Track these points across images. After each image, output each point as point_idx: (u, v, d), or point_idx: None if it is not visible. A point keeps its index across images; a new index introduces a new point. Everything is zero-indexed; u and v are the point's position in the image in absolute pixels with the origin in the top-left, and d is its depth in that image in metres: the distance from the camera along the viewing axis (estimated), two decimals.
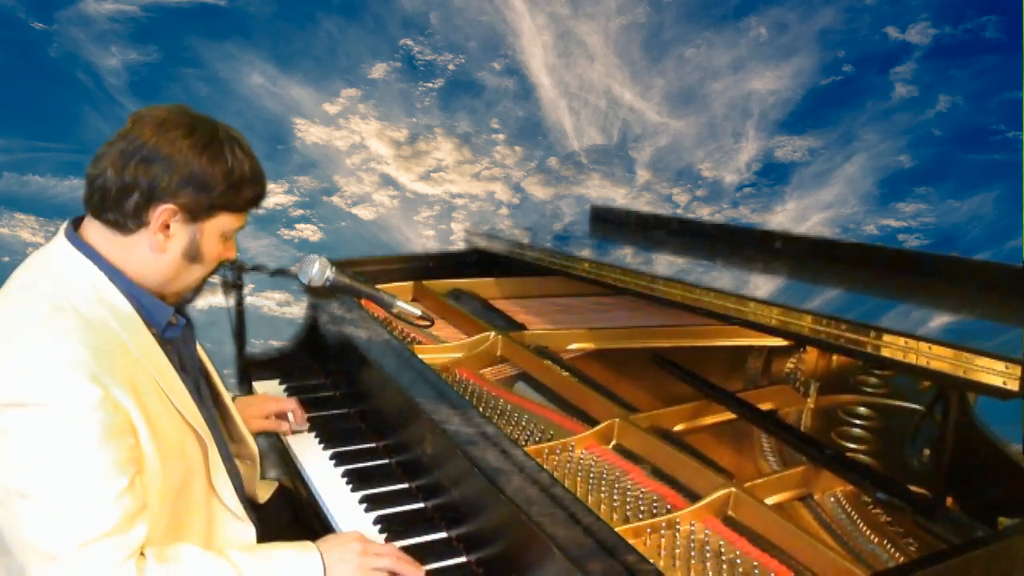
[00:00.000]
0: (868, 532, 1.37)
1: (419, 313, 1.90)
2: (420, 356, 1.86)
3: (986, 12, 4.83)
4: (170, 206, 1.27)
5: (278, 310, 4.94)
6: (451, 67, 5.21)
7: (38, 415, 1.13)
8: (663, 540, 1.30)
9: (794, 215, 5.16)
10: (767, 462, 1.62)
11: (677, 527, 1.33)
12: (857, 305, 1.82)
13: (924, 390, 1.72)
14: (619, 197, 5.31)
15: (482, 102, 5.28)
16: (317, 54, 5.09)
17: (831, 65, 5.05)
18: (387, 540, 1.48)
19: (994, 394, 1.17)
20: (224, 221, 1.34)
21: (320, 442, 1.86)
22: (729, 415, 1.74)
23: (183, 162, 1.26)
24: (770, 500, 1.42)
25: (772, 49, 5.11)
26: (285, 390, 2.13)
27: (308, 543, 1.35)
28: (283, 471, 1.88)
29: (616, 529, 1.22)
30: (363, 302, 2.15)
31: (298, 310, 2.40)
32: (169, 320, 1.38)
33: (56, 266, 1.29)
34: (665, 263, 2.28)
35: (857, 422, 1.72)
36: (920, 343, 1.26)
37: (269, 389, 2.15)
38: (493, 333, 2.07)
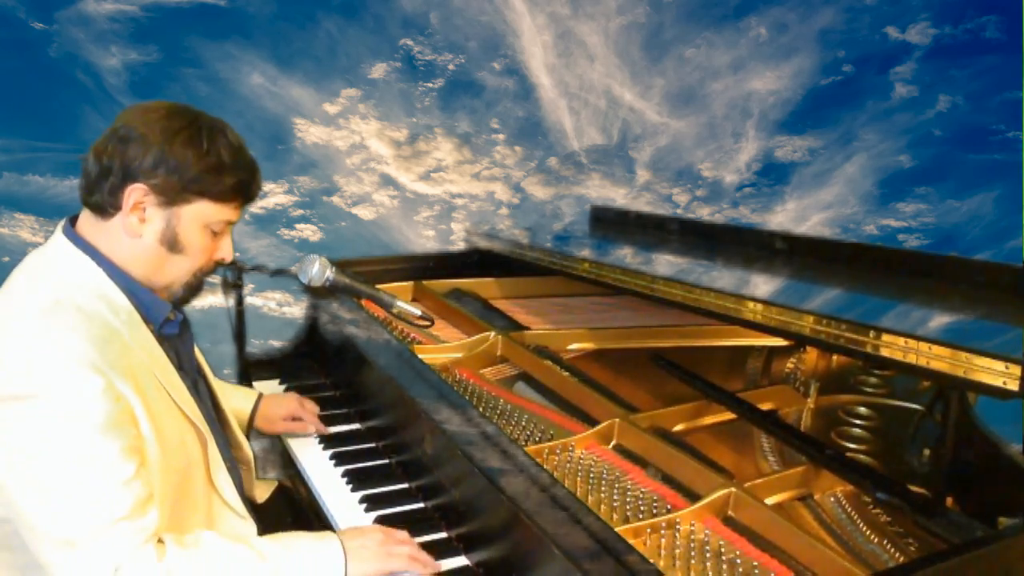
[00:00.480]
0: (868, 532, 1.37)
1: (419, 313, 1.90)
2: (420, 356, 1.86)
3: (986, 12, 4.83)
4: (141, 185, 1.27)
5: (278, 310, 4.94)
6: (451, 67, 5.22)
7: (42, 406, 1.14)
8: (663, 540, 1.30)
9: (794, 215, 5.17)
10: (767, 462, 1.62)
11: (677, 527, 1.33)
12: (857, 305, 1.82)
13: (924, 390, 1.72)
14: (619, 197, 5.32)
15: (482, 102, 5.28)
16: (317, 54, 5.10)
17: (831, 65, 5.06)
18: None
19: (994, 394, 1.18)
20: (203, 209, 1.32)
21: (320, 442, 1.86)
22: (729, 415, 1.74)
23: (157, 142, 1.26)
24: (770, 500, 1.42)
25: (772, 49, 5.12)
26: (285, 390, 2.13)
27: (328, 532, 1.36)
28: (283, 471, 1.88)
29: (616, 529, 1.21)
30: (363, 302, 2.15)
31: (298, 310, 2.40)
32: (167, 316, 1.38)
33: (55, 263, 1.30)
34: (665, 263, 2.28)
35: (857, 422, 1.72)
36: (920, 343, 1.26)
37: (269, 389, 2.14)
38: (493, 333, 2.07)
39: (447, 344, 2.08)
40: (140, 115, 1.29)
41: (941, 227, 4.93)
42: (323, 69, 5.11)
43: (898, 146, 4.99)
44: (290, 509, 1.79)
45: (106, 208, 1.29)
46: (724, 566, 1.26)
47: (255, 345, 2.22)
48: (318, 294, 2.19)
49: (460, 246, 2.83)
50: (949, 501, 1.41)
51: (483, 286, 2.53)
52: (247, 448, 1.67)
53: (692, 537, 1.32)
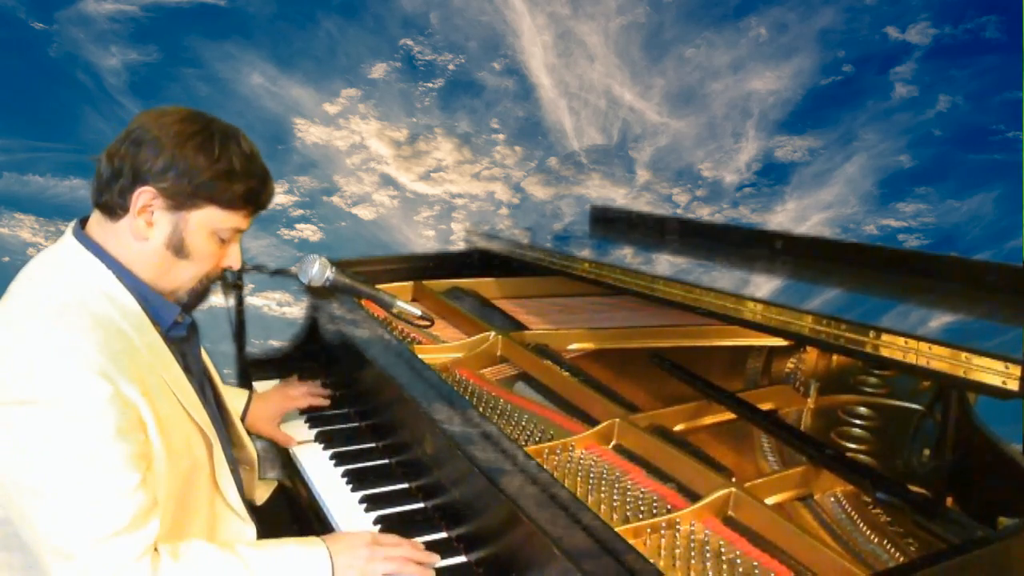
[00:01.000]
0: (868, 532, 1.37)
1: (419, 313, 1.90)
2: (420, 356, 1.86)
3: (986, 12, 4.83)
4: (149, 188, 1.27)
5: (278, 310, 4.94)
6: (451, 67, 5.22)
7: (49, 412, 1.14)
8: (663, 540, 1.30)
9: (794, 215, 5.17)
10: (767, 462, 1.62)
11: (677, 527, 1.33)
12: (857, 305, 1.82)
13: (924, 390, 1.72)
14: (619, 197, 5.32)
15: (482, 102, 5.28)
16: (317, 54, 5.10)
17: (831, 65, 5.06)
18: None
19: (994, 394, 1.17)
20: (212, 215, 1.31)
21: (320, 442, 1.86)
22: (729, 415, 1.74)
23: (169, 146, 1.26)
24: (770, 500, 1.42)
25: (772, 49, 5.12)
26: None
27: (315, 538, 1.36)
28: (283, 471, 1.88)
29: (616, 529, 1.21)
30: (363, 302, 2.15)
31: (298, 310, 2.40)
32: (175, 319, 1.38)
33: (64, 264, 1.30)
34: (665, 263, 2.28)
35: (857, 422, 1.71)
36: (920, 343, 1.26)
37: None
38: (493, 333, 2.07)
39: (447, 344, 2.07)
40: (154, 119, 1.29)
41: (941, 227, 4.93)
42: (323, 69, 5.11)
43: (898, 146, 4.99)
44: (290, 509, 1.79)
45: (115, 210, 1.29)
46: (724, 566, 1.26)
47: (255, 345, 2.22)
48: (318, 294, 2.19)
49: (460, 246, 2.83)
50: (949, 501, 1.41)
51: (483, 286, 2.53)
52: (251, 448, 1.67)
53: (692, 537, 1.32)
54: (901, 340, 1.28)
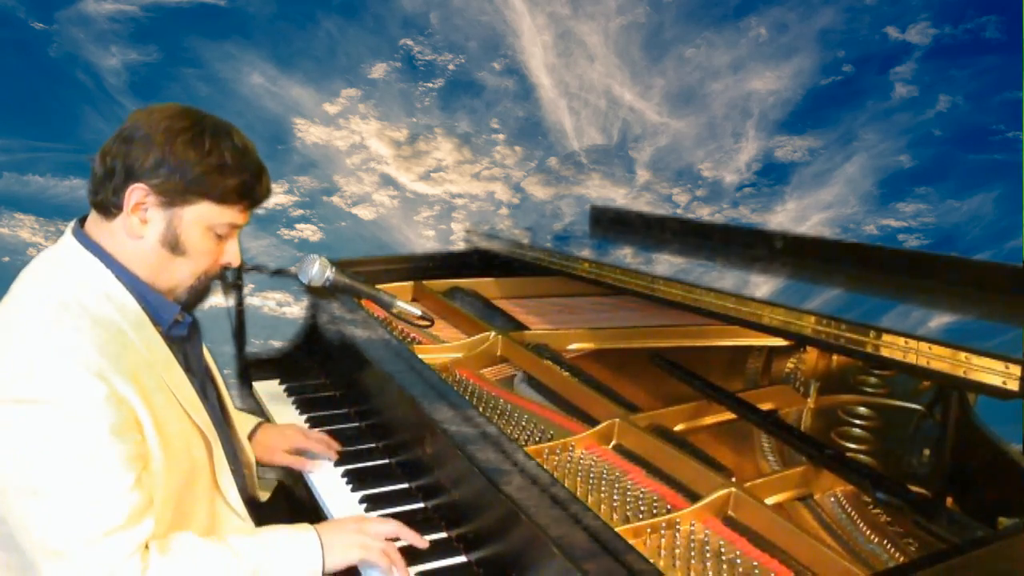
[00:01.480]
0: (868, 532, 1.37)
1: (419, 313, 1.90)
2: (420, 356, 1.86)
3: (986, 12, 4.83)
4: (142, 185, 1.26)
5: (278, 310, 4.94)
6: (451, 67, 5.22)
7: (45, 412, 1.14)
8: (663, 540, 1.30)
9: (794, 215, 5.16)
10: (767, 462, 1.62)
11: (677, 527, 1.33)
12: (857, 305, 1.82)
13: (924, 390, 1.72)
14: (619, 197, 5.31)
15: (482, 102, 5.28)
16: (317, 54, 5.10)
17: (831, 65, 5.06)
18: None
19: (994, 394, 1.17)
20: (205, 211, 1.30)
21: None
22: (729, 415, 1.74)
23: (160, 142, 1.25)
24: (770, 500, 1.42)
25: (772, 49, 5.11)
26: (285, 390, 2.13)
27: (304, 524, 1.36)
28: (283, 471, 1.88)
29: (616, 529, 1.22)
30: (363, 302, 2.15)
31: (298, 310, 2.40)
32: (175, 318, 1.38)
33: (63, 263, 1.30)
34: (665, 263, 2.28)
35: (857, 422, 1.72)
36: (920, 343, 1.26)
37: (269, 389, 2.15)
38: (493, 333, 2.07)
39: (447, 344, 2.07)
40: (146, 116, 1.29)
41: (941, 227, 4.92)
42: (323, 69, 5.11)
43: (898, 146, 4.99)
44: (290, 509, 1.79)
45: (110, 208, 1.29)
46: (724, 566, 1.26)
47: (255, 345, 2.22)
48: (318, 294, 2.19)
49: (460, 246, 2.83)
50: (949, 501, 1.41)
51: (483, 286, 2.53)
52: (249, 452, 1.66)
53: (692, 537, 1.32)
54: (901, 340, 1.28)
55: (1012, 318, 1.58)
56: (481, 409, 1.67)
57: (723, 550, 1.29)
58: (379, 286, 1.93)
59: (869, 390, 1.77)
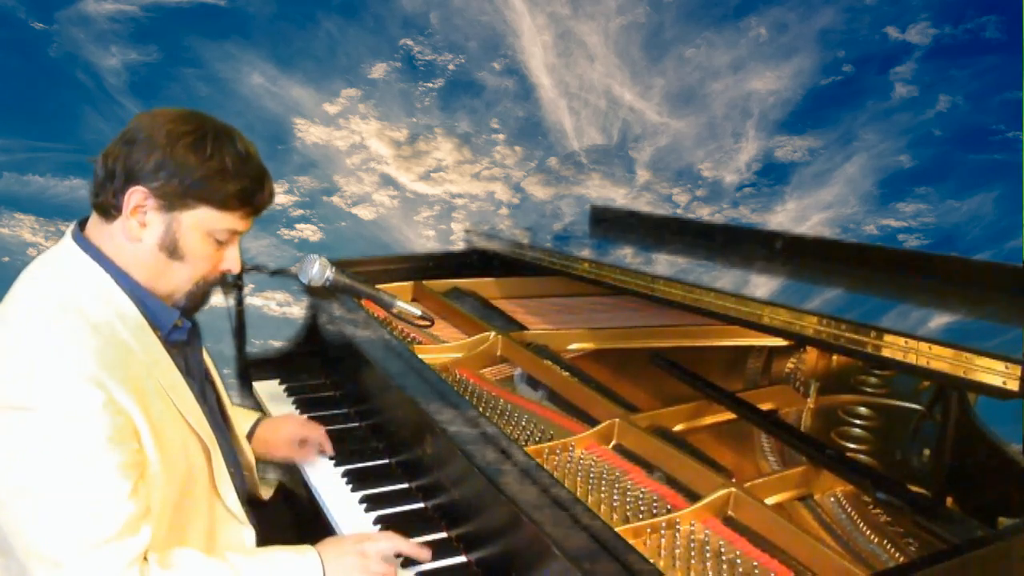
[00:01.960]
0: (868, 532, 1.37)
1: (419, 313, 1.90)
2: (420, 356, 1.86)
3: (986, 12, 4.83)
4: (141, 188, 1.25)
5: (278, 310, 4.94)
6: (451, 67, 5.22)
7: (42, 419, 1.13)
8: (663, 540, 1.30)
9: (794, 215, 5.16)
10: (767, 462, 1.62)
11: (677, 527, 1.33)
12: (857, 305, 1.82)
13: (924, 390, 1.72)
14: (619, 197, 5.32)
15: (482, 102, 5.28)
16: (317, 54, 5.10)
17: (831, 65, 5.06)
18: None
19: (994, 394, 1.17)
20: (205, 216, 1.29)
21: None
22: (729, 415, 1.74)
23: (161, 145, 1.24)
24: (770, 500, 1.42)
25: (772, 49, 5.12)
26: (285, 390, 2.13)
27: (305, 546, 1.35)
28: (283, 471, 1.88)
29: (616, 529, 1.22)
30: (363, 302, 2.15)
31: (298, 310, 2.40)
32: (174, 323, 1.37)
33: (62, 267, 1.28)
34: (665, 263, 2.28)
35: (857, 422, 1.72)
36: (920, 343, 1.26)
37: (269, 389, 2.15)
38: (493, 333, 2.07)
39: (447, 344, 2.07)
40: (149, 119, 1.28)
41: (941, 227, 4.92)
42: (323, 69, 5.11)
43: (898, 146, 4.99)
44: (290, 509, 1.79)
45: (110, 211, 1.28)
46: (724, 566, 1.26)
47: (255, 345, 2.22)
48: (318, 294, 2.19)
49: (460, 246, 2.83)
50: (949, 501, 1.41)
51: (483, 286, 2.53)
52: (249, 453, 1.66)
53: (692, 537, 1.32)
54: (901, 340, 1.28)
55: (1012, 318, 1.58)
56: (481, 409, 1.67)
57: (723, 550, 1.29)
58: (379, 286, 1.93)
59: (869, 390, 1.77)
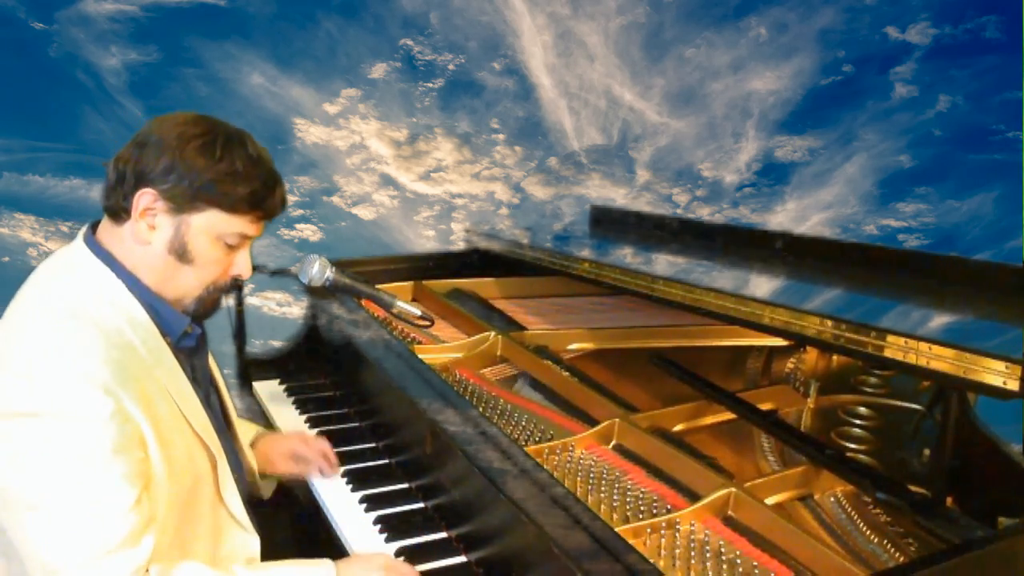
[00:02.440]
0: (868, 532, 1.37)
1: (419, 313, 1.90)
2: (420, 356, 1.86)
3: (986, 12, 4.83)
4: (151, 190, 1.24)
5: (278, 310, 4.94)
6: (451, 67, 5.22)
7: (49, 425, 1.12)
8: (663, 540, 1.30)
9: (794, 215, 5.16)
10: (767, 462, 1.62)
11: (677, 527, 1.33)
12: (857, 305, 1.82)
13: (924, 390, 1.72)
14: (619, 197, 5.32)
15: (482, 102, 5.28)
16: (317, 54, 5.10)
17: (831, 65, 5.06)
18: (387, 540, 1.48)
19: (994, 394, 1.17)
20: (215, 219, 1.28)
21: None
22: (729, 415, 1.74)
23: (171, 147, 1.24)
24: (770, 500, 1.42)
25: (772, 49, 5.11)
26: (285, 390, 2.13)
27: (326, 560, 1.33)
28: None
29: (616, 529, 1.22)
30: (363, 302, 2.15)
31: (298, 310, 2.40)
32: (184, 329, 1.36)
33: (72, 270, 1.27)
34: (665, 263, 2.28)
35: (857, 422, 1.72)
36: (920, 343, 1.26)
37: (269, 389, 2.15)
38: (493, 333, 2.07)
39: (447, 344, 2.07)
40: (160, 123, 1.28)
41: (941, 227, 4.92)
42: (323, 69, 5.11)
43: (898, 146, 4.99)
44: (290, 509, 1.79)
45: (120, 213, 1.27)
46: (724, 566, 1.26)
47: (255, 345, 2.22)
48: (318, 294, 2.19)
49: (460, 246, 2.83)
50: (949, 501, 1.41)
51: (483, 286, 2.53)
52: (252, 460, 1.66)
53: (692, 537, 1.32)
54: (901, 340, 1.28)
55: (1012, 318, 1.58)
56: (481, 409, 1.67)
57: (723, 550, 1.29)
58: (379, 286, 1.93)
59: (869, 390, 1.77)
